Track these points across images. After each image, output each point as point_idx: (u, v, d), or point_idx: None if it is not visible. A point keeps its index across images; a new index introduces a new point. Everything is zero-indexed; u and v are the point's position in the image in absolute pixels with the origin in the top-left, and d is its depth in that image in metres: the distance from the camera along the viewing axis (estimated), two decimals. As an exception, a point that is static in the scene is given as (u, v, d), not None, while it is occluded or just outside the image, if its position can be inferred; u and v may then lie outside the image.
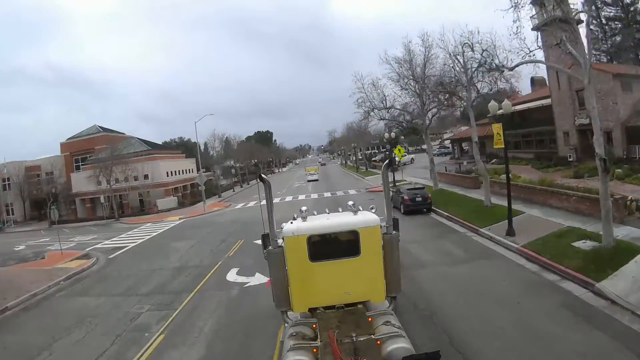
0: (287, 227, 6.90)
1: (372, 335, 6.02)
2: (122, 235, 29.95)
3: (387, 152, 61.25)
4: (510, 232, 15.02)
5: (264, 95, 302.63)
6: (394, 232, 7.03)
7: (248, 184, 67.48)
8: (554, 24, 12.10)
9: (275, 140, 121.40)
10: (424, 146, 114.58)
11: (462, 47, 19.76)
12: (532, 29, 15.76)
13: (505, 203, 16.17)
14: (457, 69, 20.92)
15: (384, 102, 27.60)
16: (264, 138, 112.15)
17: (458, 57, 20.55)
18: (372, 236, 6.71)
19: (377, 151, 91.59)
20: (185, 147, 69.72)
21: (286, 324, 7.06)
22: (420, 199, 22.80)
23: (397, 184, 35.72)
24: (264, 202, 7.18)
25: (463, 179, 29.53)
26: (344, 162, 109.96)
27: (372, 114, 28.10)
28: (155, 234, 28.87)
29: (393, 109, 28.22)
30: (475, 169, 34.26)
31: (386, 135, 36.26)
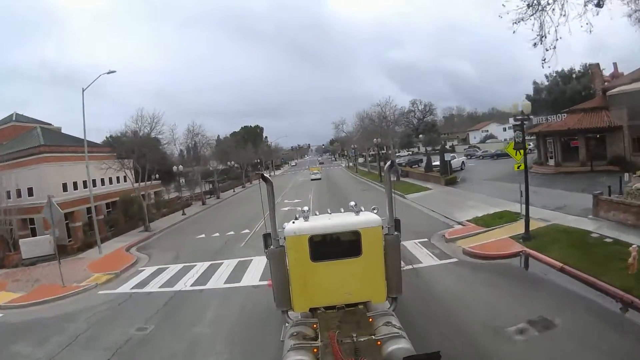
0: (289, 226, 6.79)
1: (373, 336, 5.95)
2: None
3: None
4: None
5: (262, 94, 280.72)
6: (396, 232, 6.90)
7: (218, 197, 45.96)
8: None
9: (266, 137, 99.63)
10: (442, 147, 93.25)
11: None
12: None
13: None
14: None
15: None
16: (252, 134, 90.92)
17: None
18: (373, 237, 6.60)
19: (390, 151, 65.78)
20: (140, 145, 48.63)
21: (287, 324, 6.93)
22: None
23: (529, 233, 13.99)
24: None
25: None
26: (350, 164, 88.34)
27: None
28: None
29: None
30: None
31: (521, 103, 14.22)
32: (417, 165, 55.38)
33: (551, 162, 33.20)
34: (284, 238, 6.67)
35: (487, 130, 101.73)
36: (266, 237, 6.99)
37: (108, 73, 21.69)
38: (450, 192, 27.01)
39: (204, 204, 40.12)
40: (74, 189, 30.63)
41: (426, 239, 16.12)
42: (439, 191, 28.18)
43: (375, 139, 39.93)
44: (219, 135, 75.56)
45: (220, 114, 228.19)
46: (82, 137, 33.24)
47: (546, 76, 52.58)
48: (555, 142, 32.42)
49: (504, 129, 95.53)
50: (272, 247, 6.81)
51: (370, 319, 6.39)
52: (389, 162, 7.71)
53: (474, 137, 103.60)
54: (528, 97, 56.36)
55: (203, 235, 23.20)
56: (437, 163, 36.73)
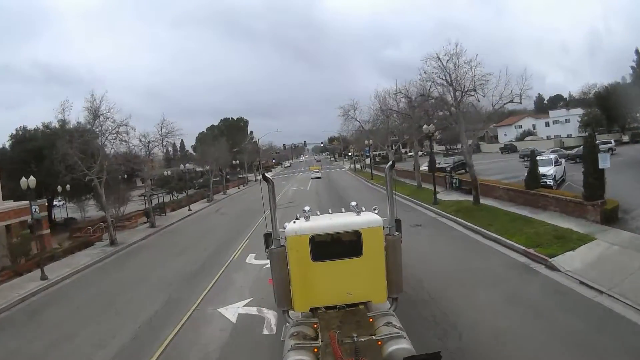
0: (290, 226, 6.72)
1: (373, 336, 5.88)
2: None
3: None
4: None
5: (255, 94, 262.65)
6: (397, 233, 6.84)
7: (153, 225, 28.10)
8: None
9: (252, 132, 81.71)
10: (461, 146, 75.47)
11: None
12: None
13: None
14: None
15: None
16: (233, 128, 73.14)
17: None
18: (374, 237, 6.53)
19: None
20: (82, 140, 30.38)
21: (287, 324, 6.89)
22: None
23: None
24: None
25: None
26: (358, 165, 70.95)
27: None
28: None
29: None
30: None
31: None
32: (463, 171, 38.56)
33: None
34: (285, 238, 6.56)
35: (521, 126, 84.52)
36: (267, 236, 6.85)
37: None
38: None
39: (112, 243, 22.20)
40: None
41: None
42: (621, 246, 10.77)
43: (425, 125, 22.19)
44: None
45: (215, 114, 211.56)
46: None
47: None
48: None
49: (547, 124, 78.51)
50: (272, 246, 6.70)
51: (371, 319, 6.34)
52: (389, 163, 7.50)
53: (504, 134, 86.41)
54: (633, 69, 39.46)
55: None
56: (548, 171, 19.48)
